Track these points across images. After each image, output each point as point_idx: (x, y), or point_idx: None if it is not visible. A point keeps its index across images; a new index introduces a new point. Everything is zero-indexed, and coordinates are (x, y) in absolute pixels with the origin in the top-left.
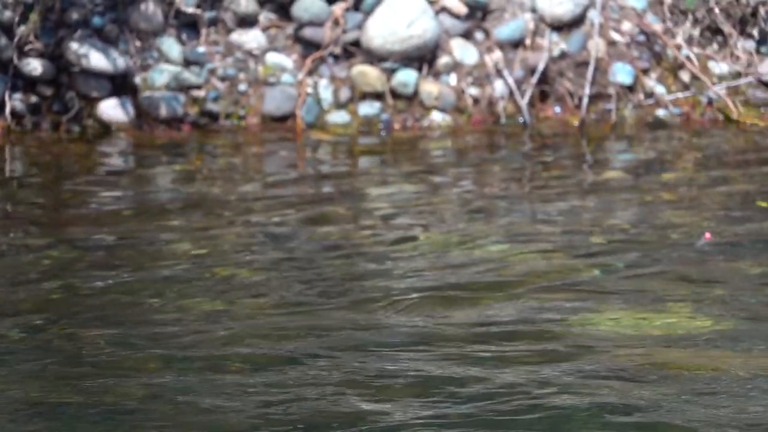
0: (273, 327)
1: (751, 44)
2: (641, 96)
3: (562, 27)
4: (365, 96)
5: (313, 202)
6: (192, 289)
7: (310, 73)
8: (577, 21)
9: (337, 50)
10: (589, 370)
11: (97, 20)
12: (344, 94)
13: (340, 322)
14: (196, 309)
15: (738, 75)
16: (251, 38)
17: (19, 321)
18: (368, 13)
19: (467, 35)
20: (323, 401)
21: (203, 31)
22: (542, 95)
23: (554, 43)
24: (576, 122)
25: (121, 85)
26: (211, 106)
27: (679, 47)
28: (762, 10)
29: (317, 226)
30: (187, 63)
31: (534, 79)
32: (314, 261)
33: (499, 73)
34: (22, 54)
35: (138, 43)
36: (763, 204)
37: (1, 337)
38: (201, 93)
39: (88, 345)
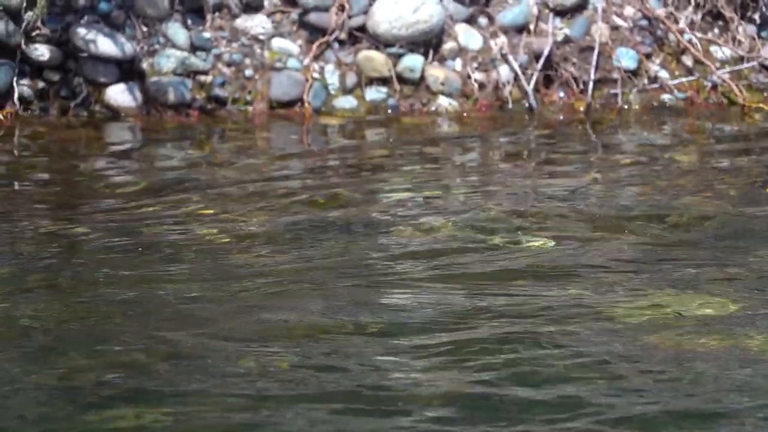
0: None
1: (752, 29)
2: (645, 81)
3: (565, 12)
4: (372, 81)
5: (324, 184)
6: (197, 270)
7: (316, 58)
8: (580, 6)
9: (343, 35)
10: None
11: (103, 6)
12: (351, 79)
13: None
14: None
15: (740, 59)
16: (257, 23)
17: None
18: None
19: (471, 20)
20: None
21: (208, 17)
22: (546, 80)
23: (558, 29)
24: (582, 107)
25: (128, 70)
26: (218, 92)
27: (681, 32)
28: None
29: (327, 207)
30: (194, 48)
31: (539, 65)
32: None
33: (504, 58)
34: (30, 40)
35: (144, 29)
36: None
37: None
38: (208, 78)
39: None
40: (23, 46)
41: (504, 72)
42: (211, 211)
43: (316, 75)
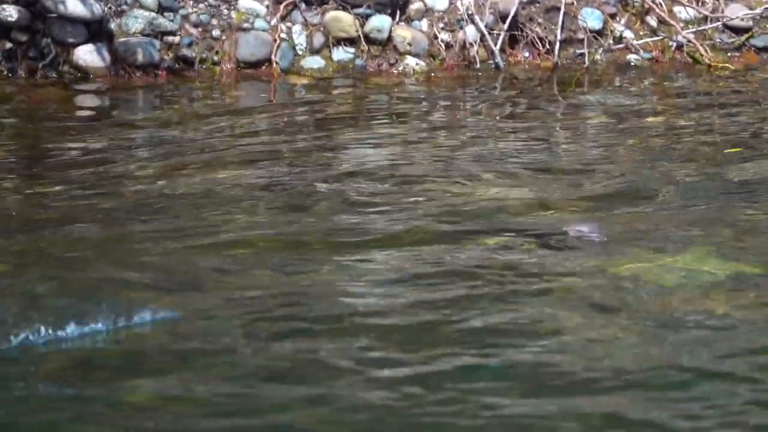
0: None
1: None
2: (610, 41)
3: None
4: (339, 42)
5: (293, 141)
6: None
7: (284, 18)
8: None
9: None
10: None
11: None
12: (318, 39)
13: None
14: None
15: (704, 20)
16: None
17: None
18: None
19: None
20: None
21: None
22: (512, 40)
23: None
24: (548, 67)
25: (96, 31)
26: (186, 52)
27: None
28: None
29: (297, 161)
30: (161, 9)
31: (505, 25)
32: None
33: (470, 19)
34: None
35: None
36: (734, 150)
37: None
38: (175, 39)
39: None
40: None
41: (470, 32)
42: (182, 170)
43: (283, 35)
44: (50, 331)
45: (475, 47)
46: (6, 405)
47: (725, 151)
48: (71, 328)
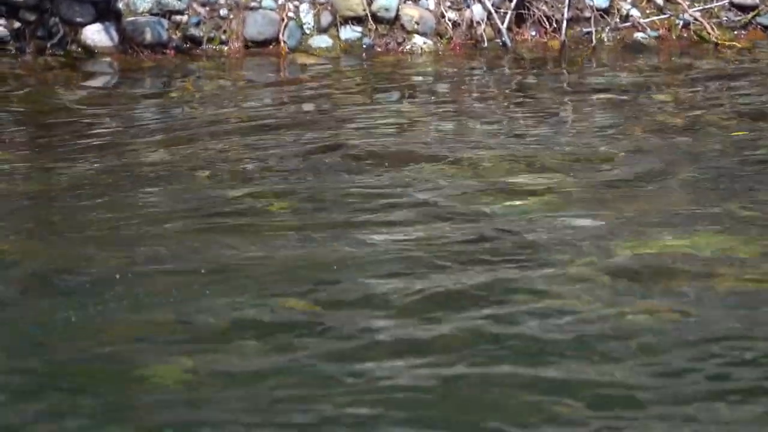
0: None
1: None
2: (617, 19)
3: None
4: (347, 20)
5: (300, 121)
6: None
7: None
8: None
9: None
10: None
11: None
12: (326, 18)
13: None
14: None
15: None
16: None
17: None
18: None
19: None
20: None
21: None
22: (518, 19)
23: None
24: (555, 46)
25: (104, 10)
26: (194, 31)
27: None
28: None
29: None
30: None
31: (512, 3)
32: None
33: None
34: None
35: None
36: (739, 133)
37: None
38: (183, 18)
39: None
40: None
41: (477, 11)
42: (189, 148)
43: (291, 14)
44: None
45: (482, 26)
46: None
47: (732, 134)
48: None
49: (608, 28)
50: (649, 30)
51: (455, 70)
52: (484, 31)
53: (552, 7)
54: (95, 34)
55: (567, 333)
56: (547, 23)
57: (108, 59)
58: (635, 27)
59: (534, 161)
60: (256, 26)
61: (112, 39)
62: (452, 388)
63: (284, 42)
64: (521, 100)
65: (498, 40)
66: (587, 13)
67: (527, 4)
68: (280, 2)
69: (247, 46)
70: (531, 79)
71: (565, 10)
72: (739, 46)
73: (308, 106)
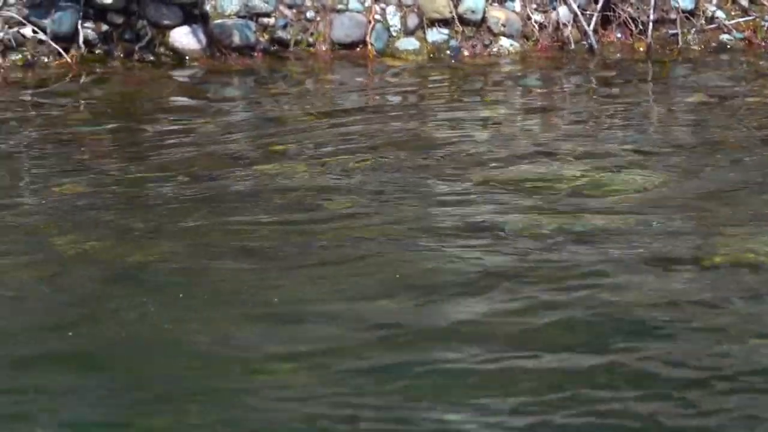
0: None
1: None
2: (702, 21)
3: None
4: (433, 23)
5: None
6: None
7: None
8: None
9: None
10: None
11: None
12: (412, 20)
13: None
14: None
15: None
16: None
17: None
18: None
19: None
20: None
21: None
22: (604, 21)
23: None
24: (641, 48)
25: (191, 13)
26: (281, 34)
27: None
28: None
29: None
30: None
31: (598, 5)
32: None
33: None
34: None
35: None
36: None
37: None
38: (270, 20)
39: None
40: None
41: (563, 13)
42: (282, 152)
43: (377, 17)
44: None
45: (569, 28)
46: None
47: None
48: None
49: (694, 29)
50: (734, 32)
51: (544, 72)
52: (571, 33)
53: (637, 8)
54: (183, 37)
55: None
56: (632, 25)
57: (196, 62)
58: (720, 29)
59: (628, 161)
60: (342, 29)
61: (200, 42)
62: None
63: (371, 44)
64: (611, 103)
65: (584, 42)
66: (673, 15)
67: (613, 6)
68: (366, 4)
69: (334, 49)
70: (619, 81)
71: (651, 11)
72: None
73: (397, 115)
